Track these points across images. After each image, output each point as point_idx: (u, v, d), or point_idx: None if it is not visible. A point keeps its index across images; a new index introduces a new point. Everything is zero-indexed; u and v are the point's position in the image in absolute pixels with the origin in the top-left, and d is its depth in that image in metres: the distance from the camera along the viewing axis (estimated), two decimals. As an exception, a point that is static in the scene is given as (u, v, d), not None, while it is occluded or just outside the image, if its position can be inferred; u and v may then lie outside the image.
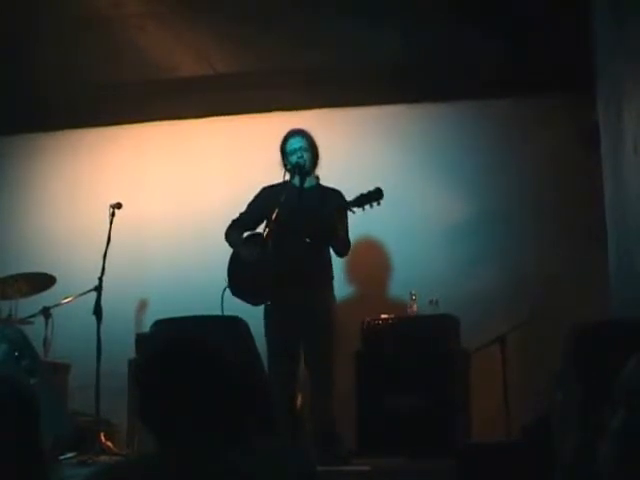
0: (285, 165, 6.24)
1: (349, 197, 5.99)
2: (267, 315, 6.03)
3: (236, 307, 5.98)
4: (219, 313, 5.95)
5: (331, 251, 6.19)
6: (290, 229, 5.94)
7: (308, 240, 5.98)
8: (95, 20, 6.76)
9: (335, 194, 6.20)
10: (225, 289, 6.13)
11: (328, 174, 6.36)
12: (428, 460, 5.69)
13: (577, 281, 6.99)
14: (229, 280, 6.20)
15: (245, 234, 6.33)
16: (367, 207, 5.87)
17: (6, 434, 2.40)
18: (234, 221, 6.39)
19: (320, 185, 6.31)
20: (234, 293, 6.13)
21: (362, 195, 5.87)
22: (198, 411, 2.32)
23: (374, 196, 5.87)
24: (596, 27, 6.08)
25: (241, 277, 6.16)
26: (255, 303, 6.03)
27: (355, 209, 5.89)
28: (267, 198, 6.24)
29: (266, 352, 5.91)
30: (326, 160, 6.33)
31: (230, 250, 6.32)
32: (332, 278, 6.26)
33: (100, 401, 6.34)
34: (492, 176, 7.58)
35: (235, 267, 6.24)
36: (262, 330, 5.94)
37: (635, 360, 2.23)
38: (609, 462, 2.17)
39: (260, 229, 6.29)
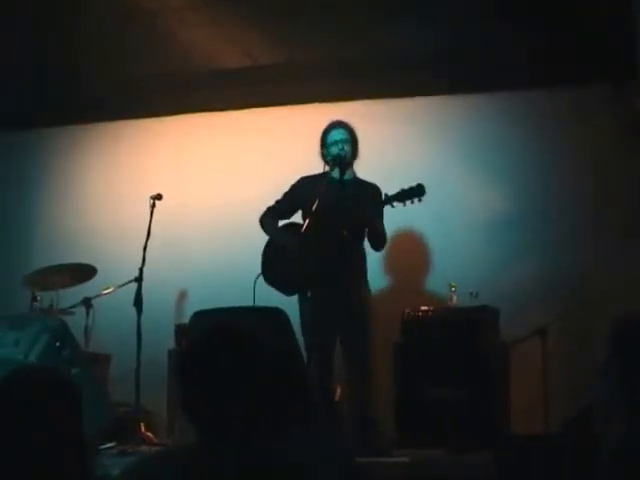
0: (324, 156, 6.24)
1: (388, 190, 5.99)
2: (302, 306, 6.02)
3: (275, 299, 5.99)
4: (258, 303, 5.96)
5: (364, 244, 6.20)
6: (328, 222, 5.94)
7: (345, 233, 5.98)
8: (136, 12, 6.80)
9: (372, 188, 6.19)
10: (257, 277, 6.15)
11: (366, 166, 6.36)
12: (467, 452, 5.68)
13: (617, 276, 6.93)
14: (263, 267, 6.22)
15: (280, 223, 6.35)
16: (408, 202, 5.88)
17: (49, 424, 2.42)
18: (269, 209, 6.41)
19: (357, 179, 6.31)
20: (268, 281, 6.16)
21: (403, 190, 5.88)
22: (238, 401, 2.33)
23: (415, 192, 5.88)
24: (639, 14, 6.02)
25: (276, 266, 6.18)
26: (288, 293, 6.05)
27: (395, 204, 5.90)
28: (304, 188, 6.24)
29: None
30: (364, 152, 6.32)
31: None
32: (365, 269, 6.27)
33: (140, 391, 6.37)
34: (532, 168, 7.54)
35: (270, 255, 6.27)
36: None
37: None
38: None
39: (294, 219, 6.31)
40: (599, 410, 2.67)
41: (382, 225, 6.13)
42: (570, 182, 7.41)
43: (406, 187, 5.88)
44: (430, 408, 6.35)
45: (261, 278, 6.20)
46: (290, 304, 6.00)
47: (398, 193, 5.88)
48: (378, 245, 6.21)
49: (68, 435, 2.44)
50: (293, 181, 6.44)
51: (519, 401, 6.61)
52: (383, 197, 5.96)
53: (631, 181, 6.73)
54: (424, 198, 5.90)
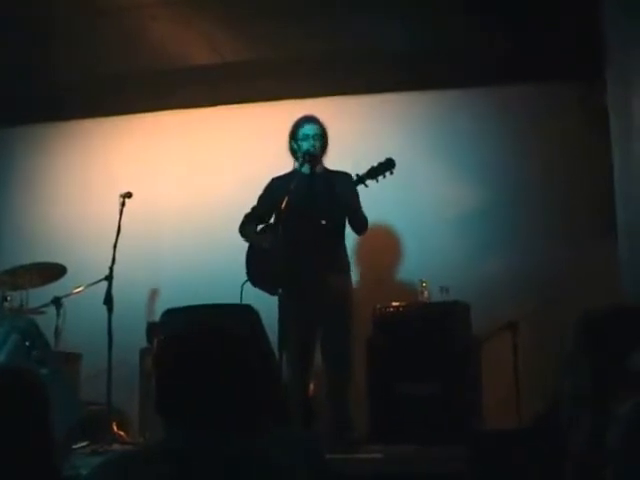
0: (293, 150, 6.22)
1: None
2: (282, 302, 5.99)
3: (256, 297, 5.97)
4: (230, 302, 5.94)
5: (344, 237, 6.20)
6: (302, 215, 5.93)
7: (324, 222, 5.96)
8: (107, 9, 6.76)
9: (344, 176, 6.17)
10: (245, 282, 6.13)
11: (337, 162, 6.35)
12: (440, 447, 5.68)
13: (587, 268, 6.96)
14: (247, 271, 6.21)
15: (260, 227, 6.34)
16: (380, 178, 5.88)
17: (17, 425, 2.41)
18: (247, 215, 6.40)
19: (327, 170, 6.30)
20: (252, 283, 6.15)
21: (373, 167, 5.88)
22: (211, 399, 2.31)
23: (385, 166, 5.88)
24: (606, 12, 6.06)
25: (258, 267, 6.17)
26: (272, 292, 6.02)
27: (368, 182, 5.89)
28: (277, 189, 6.22)
29: (277, 342, 5.88)
30: (335, 148, 6.32)
31: (241, 240, 6.34)
32: (348, 263, 6.26)
33: (112, 390, 6.34)
34: (502, 163, 7.57)
35: (252, 259, 6.25)
36: (273, 321, 5.91)
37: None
38: (618, 445, 2.17)
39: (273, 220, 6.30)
40: (566, 405, 2.68)
41: (359, 207, 6.13)
42: (541, 178, 7.44)
43: (375, 164, 5.89)
44: (402, 404, 6.36)
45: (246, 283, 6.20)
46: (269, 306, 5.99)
47: (368, 170, 5.88)
48: (359, 226, 6.19)
49: (36, 436, 2.43)
50: (265, 177, 6.43)
51: (491, 396, 6.63)
52: (354, 178, 5.94)
53: (601, 179, 6.75)
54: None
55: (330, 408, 6.10)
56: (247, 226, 6.38)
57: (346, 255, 6.27)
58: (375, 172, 5.88)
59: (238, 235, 6.35)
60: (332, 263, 6.10)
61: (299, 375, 6.07)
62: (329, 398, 6.13)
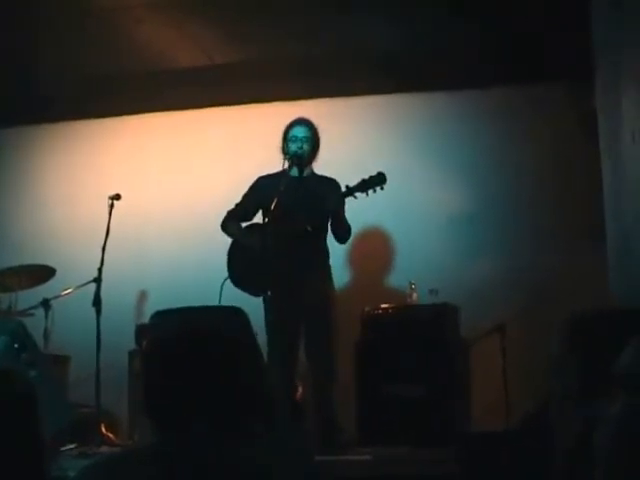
0: (284, 152, 6.21)
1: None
2: (267, 305, 6.00)
3: (234, 300, 5.97)
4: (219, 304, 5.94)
5: (327, 240, 6.19)
6: (289, 219, 5.93)
7: (310, 229, 5.96)
8: (94, 11, 6.75)
9: (332, 182, 6.19)
10: (225, 280, 6.13)
11: (328, 164, 6.35)
12: (429, 448, 5.68)
13: (576, 271, 6.97)
14: (229, 271, 6.20)
15: (243, 224, 6.33)
16: (370, 192, 5.87)
17: (5, 427, 2.40)
18: (230, 212, 6.38)
19: (315, 174, 6.30)
20: (234, 283, 6.14)
21: (364, 180, 5.86)
22: (211, 397, 2.30)
23: (376, 180, 5.86)
24: (594, 13, 6.07)
25: (241, 267, 6.16)
26: (255, 293, 6.02)
27: (358, 194, 5.88)
28: (263, 188, 6.21)
29: (265, 345, 5.88)
30: (325, 150, 6.31)
31: (229, 241, 6.33)
32: (330, 267, 6.25)
33: (100, 392, 6.34)
34: (491, 165, 7.58)
35: (235, 258, 6.24)
36: (261, 323, 5.91)
37: (633, 344, 2.24)
38: (607, 446, 2.18)
39: (256, 219, 6.29)
40: (554, 405, 2.68)
41: (345, 217, 6.13)
42: (530, 180, 7.45)
43: (366, 177, 5.87)
44: (391, 406, 6.35)
45: (228, 281, 6.18)
46: (256, 305, 5.98)
47: (359, 183, 5.86)
48: (343, 237, 6.20)
49: (25, 438, 2.42)
50: (253, 180, 6.43)
51: (480, 397, 6.64)
52: (343, 189, 5.94)
53: (590, 181, 6.76)
54: (384, 195, 5.90)
55: (316, 407, 6.11)
56: (229, 223, 6.36)
57: (328, 259, 6.26)
58: (366, 185, 5.87)
59: (227, 237, 6.34)
60: (315, 267, 6.11)
61: (287, 376, 6.07)
62: (315, 397, 6.14)
